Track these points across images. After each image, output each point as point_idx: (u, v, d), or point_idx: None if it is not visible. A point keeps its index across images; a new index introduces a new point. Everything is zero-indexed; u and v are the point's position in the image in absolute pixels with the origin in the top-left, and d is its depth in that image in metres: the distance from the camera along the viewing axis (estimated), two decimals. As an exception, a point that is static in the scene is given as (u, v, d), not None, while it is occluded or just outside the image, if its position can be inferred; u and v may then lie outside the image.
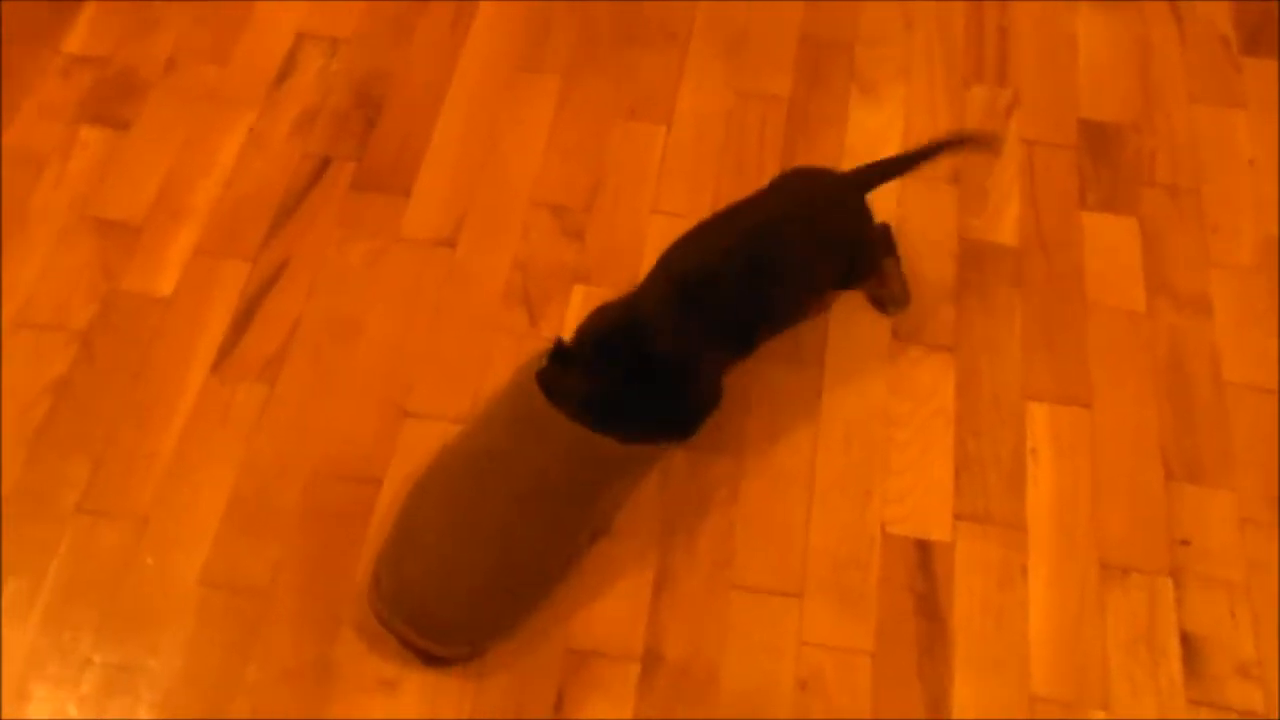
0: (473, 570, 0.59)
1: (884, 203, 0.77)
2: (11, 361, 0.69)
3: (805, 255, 0.65)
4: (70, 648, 0.60)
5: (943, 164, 0.80)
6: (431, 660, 0.60)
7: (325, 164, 0.79)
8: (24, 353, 0.69)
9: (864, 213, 0.69)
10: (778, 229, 0.65)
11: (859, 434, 0.69)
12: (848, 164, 0.79)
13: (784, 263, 0.64)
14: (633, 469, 0.62)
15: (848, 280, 0.70)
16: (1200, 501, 0.67)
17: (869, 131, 0.81)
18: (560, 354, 0.62)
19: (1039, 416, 0.70)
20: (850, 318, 0.73)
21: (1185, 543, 0.65)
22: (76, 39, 0.84)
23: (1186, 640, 0.62)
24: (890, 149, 0.81)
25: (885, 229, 0.73)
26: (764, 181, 0.71)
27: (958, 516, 0.66)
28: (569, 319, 0.72)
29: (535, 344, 0.71)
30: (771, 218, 0.65)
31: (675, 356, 0.61)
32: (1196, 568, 0.64)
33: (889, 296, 0.72)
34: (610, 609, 0.62)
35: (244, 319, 0.71)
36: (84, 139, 0.79)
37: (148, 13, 0.85)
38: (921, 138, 0.82)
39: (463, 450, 0.62)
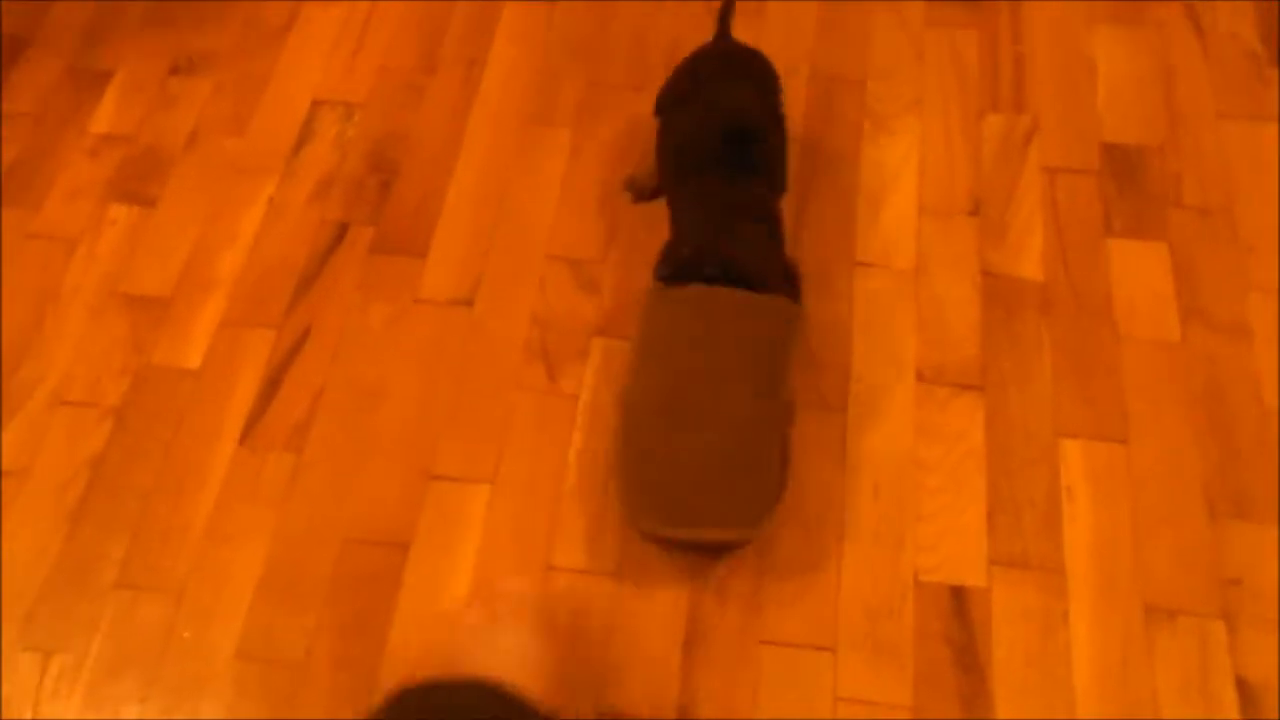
0: (721, 454, 0.62)
1: (902, 237, 0.76)
2: (49, 440, 0.71)
3: (760, 93, 0.72)
4: (114, 724, 0.61)
5: (961, 195, 0.80)
6: (726, 549, 0.64)
7: (344, 230, 0.80)
8: (61, 431, 0.71)
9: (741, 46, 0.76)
10: (742, 95, 0.71)
11: (888, 480, 0.67)
12: (864, 203, 0.79)
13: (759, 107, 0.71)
14: (796, 331, 0.66)
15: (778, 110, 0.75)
16: (1249, 539, 0.64)
17: (883, 166, 0.80)
18: (676, 271, 0.66)
19: (1073, 454, 0.68)
20: (871, 360, 0.72)
21: (1236, 582, 0.63)
22: (103, 118, 0.86)
23: (1242, 686, 0.60)
24: (905, 183, 0.80)
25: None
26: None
27: (993, 561, 0.64)
28: (589, 373, 0.72)
29: (555, 401, 0.71)
30: (731, 90, 0.71)
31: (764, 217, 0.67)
32: (1249, 609, 0.62)
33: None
34: (640, 669, 0.61)
35: (270, 388, 0.73)
36: (112, 217, 0.81)
37: (169, 88, 0.88)
38: (937, 169, 0.81)
39: (653, 378, 0.65)
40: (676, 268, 0.67)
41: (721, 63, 0.73)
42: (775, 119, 0.72)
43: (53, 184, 0.83)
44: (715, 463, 0.62)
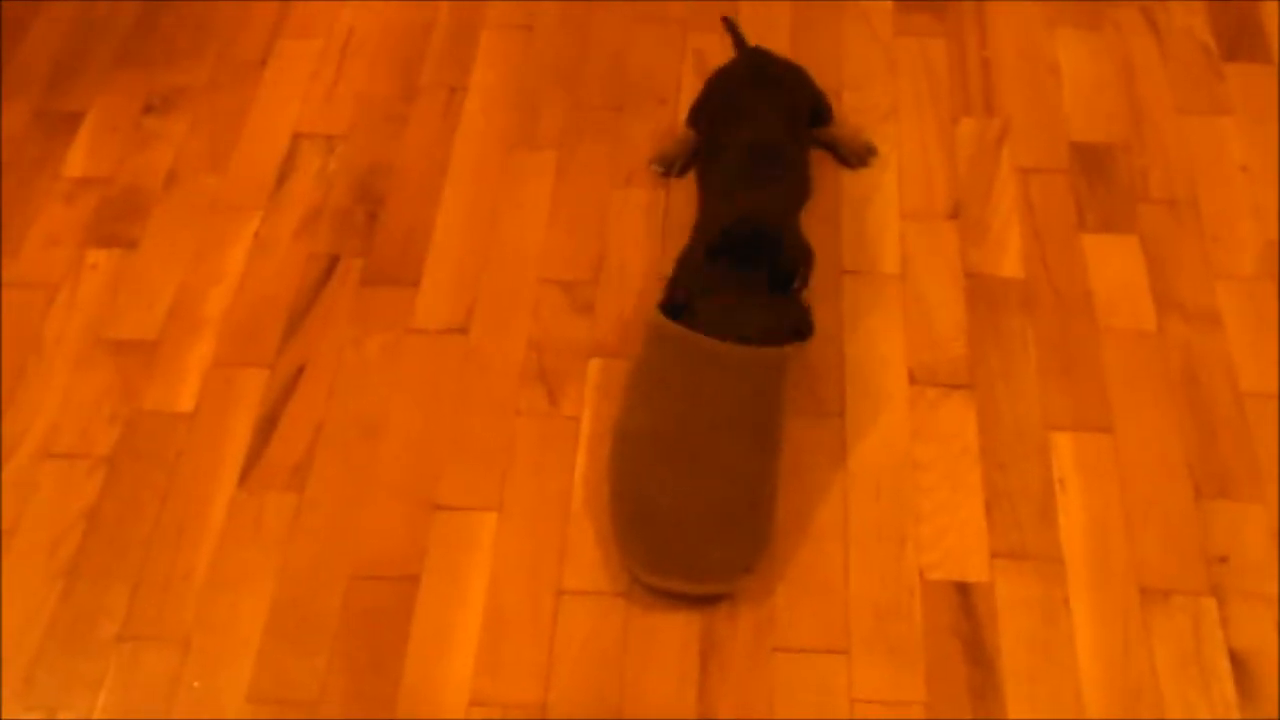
0: (715, 506, 0.63)
1: (886, 243, 0.78)
2: (39, 494, 0.69)
3: (788, 108, 0.77)
4: (127, 781, 0.60)
5: (939, 199, 0.82)
6: (715, 599, 0.64)
7: (333, 263, 0.79)
8: (51, 484, 0.70)
9: (788, 63, 0.80)
10: (767, 111, 0.75)
11: (888, 482, 0.69)
12: (847, 211, 0.80)
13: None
14: (787, 372, 0.67)
15: (823, 109, 0.80)
16: (1233, 516, 0.67)
17: (863, 175, 0.82)
18: (676, 307, 0.68)
19: (1063, 446, 0.70)
20: (863, 365, 0.73)
21: (1223, 560, 0.65)
22: (76, 162, 0.85)
23: (1235, 658, 0.62)
24: (886, 190, 0.81)
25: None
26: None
27: (994, 555, 0.66)
28: (588, 394, 0.73)
29: (557, 423, 0.71)
30: (758, 106, 0.75)
31: (782, 241, 0.69)
32: (1237, 584, 0.64)
33: (860, 151, 0.81)
34: (658, 683, 0.62)
35: (267, 427, 0.72)
36: (92, 261, 0.80)
37: (143, 127, 0.87)
38: (915, 175, 0.83)
39: (647, 416, 0.66)
40: (673, 303, 0.68)
41: (749, 76, 0.77)
42: (800, 129, 0.76)
43: (28, 231, 0.81)
44: (710, 514, 0.63)
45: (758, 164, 0.71)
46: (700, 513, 0.63)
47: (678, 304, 0.67)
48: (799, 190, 0.74)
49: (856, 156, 0.81)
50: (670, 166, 0.80)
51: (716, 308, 0.66)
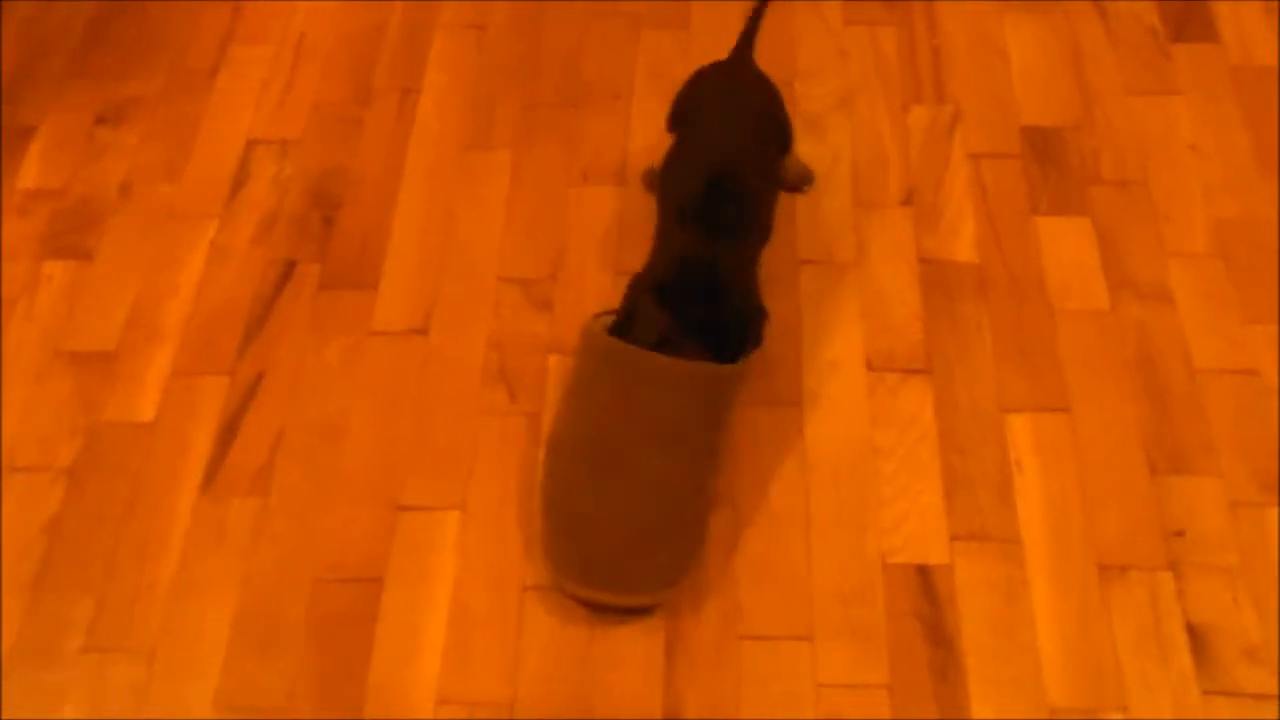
0: (643, 519, 0.63)
1: (841, 231, 0.78)
2: (1, 509, 0.69)
3: (758, 134, 0.73)
4: (94, 792, 0.60)
5: (893, 186, 0.82)
6: (639, 612, 0.63)
7: (290, 268, 0.79)
8: (13, 497, 0.70)
9: (764, 76, 0.76)
10: (736, 138, 0.71)
11: (847, 469, 0.69)
12: (802, 201, 0.81)
13: (752, 152, 0.71)
14: (731, 391, 0.66)
15: (787, 140, 0.76)
16: (1188, 491, 0.68)
17: (816, 161, 0.82)
18: (621, 324, 0.66)
19: (1020, 427, 0.71)
20: (821, 353, 0.74)
21: (1179, 534, 0.66)
22: (29, 174, 0.84)
23: (1193, 631, 0.63)
24: (838, 178, 0.82)
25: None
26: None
27: (954, 538, 0.67)
28: (549, 390, 0.73)
29: (519, 421, 0.72)
30: (727, 129, 0.72)
31: (733, 278, 0.66)
32: (1193, 557, 0.65)
33: (799, 178, 0.80)
34: (625, 677, 0.62)
35: (228, 434, 0.72)
36: (48, 273, 0.79)
37: (96, 139, 0.86)
38: (868, 163, 0.83)
39: (579, 426, 0.65)
40: (619, 317, 0.67)
41: (724, 91, 0.72)
42: (768, 163, 0.72)
43: (-19, 246, 0.81)
44: (637, 527, 0.63)
45: (718, 204, 0.67)
46: (627, 525, 0.63)
47: (615, 318, 0.67)
48: (758, 237, 0.70)
49: (801, 180, 0.80)
50: (656, 185, 0.78)
51: (655, 333, 0.64)
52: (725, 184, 0.68)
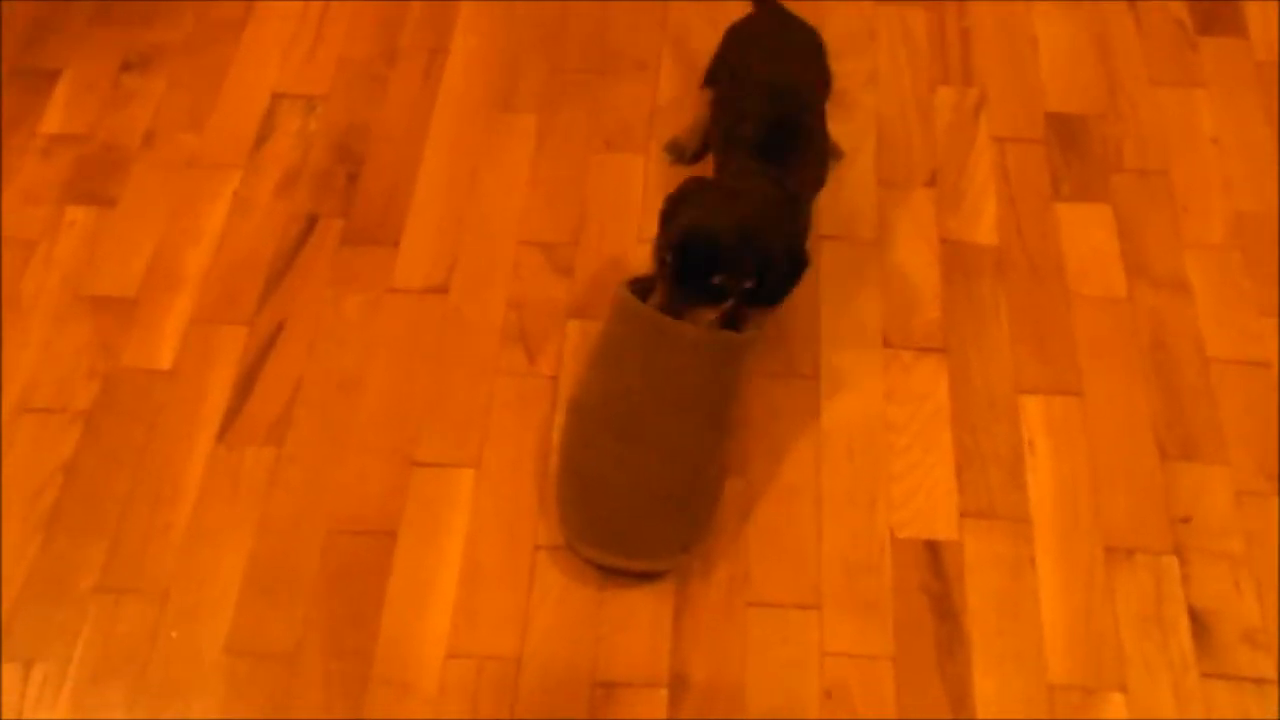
0: (661, 486, 0.64)
1: (864, 209, 0.79)
2: (16, 448, 0.69)
3: (808, 71, 0.75)
4: (104, 728, 0.60)
5: (917, 167, 0.82)
6: (649, 576, 0.64)
7: (313, 222, 0.79)
8: (28, 438, 0.70)
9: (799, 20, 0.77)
10: (795, 70, 0.73)
11: (860, 443, 0.70)
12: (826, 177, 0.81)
13: (806, 90, 0.73)
14: (744, 358, 0.67)
15: (829, 80, 0.78)
16: (1196, 478, 0.68)
17: (842, 141, 0.83)
18: (644, 282, 0.66)
19: (1033, 409, 0.71)
20: (839, 328, 0.74)
21: (1186, 520, 0.67)
22: (53, 119, 0.84)
23: (1194, 615, 0.64)
24: (864, 156, 0.82)
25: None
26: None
27: (963, 514, 0.67)
28: (567, 354, 0.73)
29: (535, 383, 0.72)
30: (784, 63, 0.73)
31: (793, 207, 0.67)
32: (1198, 543, 0.66)
33: (830, 152, 0.80)
34: (633, 639, 0.63)
35: (246, 384, 0.72)
36: (70, 218, 0.80)
37: (122, 85, 0.86)
38: (894, 142, 0.84)
39: (604, 390, 0.66)
40: (640, 281, 0.66)
41: (768, 35, 0.74)
42: (817, 99, 0.74)
43: (5, 188, 0.81)
44: (652, 492, 0.64)
45: (777, 139, 0.67)
46: (642, 489, 0.64)
47: (645, 284, 0.67)
48: (815, 172, 0.71)
49: (829, 155, 0.79)
50: (682, 155, 0.79)
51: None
52: (791, 110, 0.69)
